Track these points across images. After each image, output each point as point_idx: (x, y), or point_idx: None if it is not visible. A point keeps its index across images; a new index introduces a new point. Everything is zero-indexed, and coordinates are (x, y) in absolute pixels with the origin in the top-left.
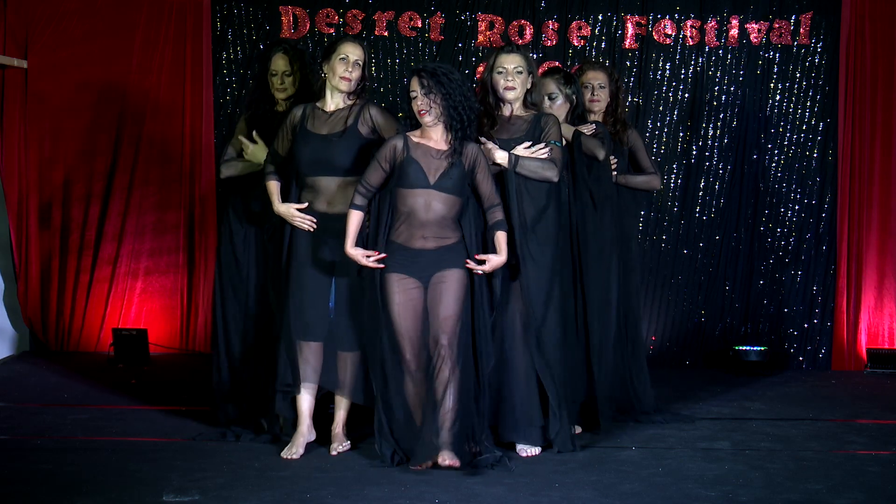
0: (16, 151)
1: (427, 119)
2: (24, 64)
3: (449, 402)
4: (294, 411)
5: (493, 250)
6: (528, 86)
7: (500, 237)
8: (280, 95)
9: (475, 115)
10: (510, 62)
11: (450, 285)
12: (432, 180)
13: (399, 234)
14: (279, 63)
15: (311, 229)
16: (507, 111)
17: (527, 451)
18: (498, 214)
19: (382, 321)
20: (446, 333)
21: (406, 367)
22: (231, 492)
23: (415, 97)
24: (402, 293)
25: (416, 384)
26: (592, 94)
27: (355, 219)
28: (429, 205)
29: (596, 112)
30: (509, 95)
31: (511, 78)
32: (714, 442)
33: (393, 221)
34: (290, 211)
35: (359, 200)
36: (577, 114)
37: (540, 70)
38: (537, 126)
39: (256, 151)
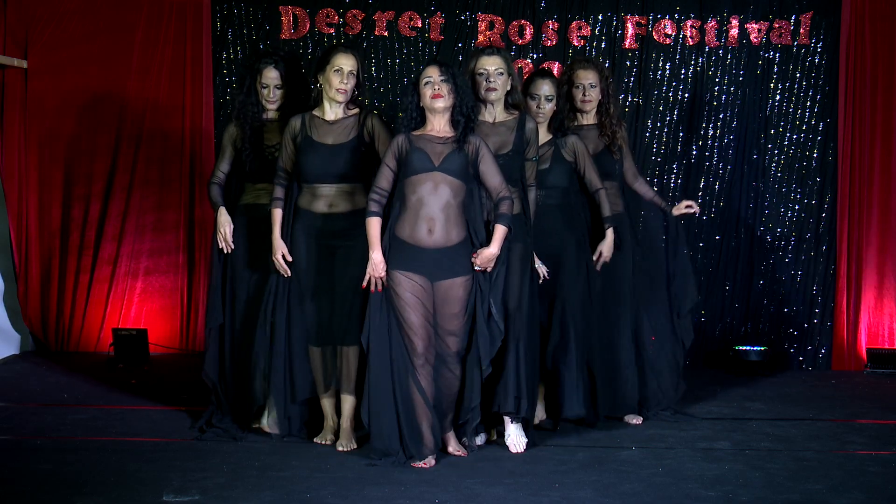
0: (16, 151)
1: (438, 104)
2: (24, 64)
3: (452, 404)
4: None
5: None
6: (508, 87)
7: (498, 230)
8: (270, 107)
9: (475, 114)
10: (491, 64)
11: (459, 294)
12: (437, 163)
13: (403, 228)
14: (269, 76)
15: (286, 275)
16: (489, 117)
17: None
18: (504, 207)
19: (391, 318)
20: (455, 339)
21: (418, 360)
22: (231, 492)
23: (429, 82)
24: (410, 288)
25: (426, 378)
26: (584, 94)
27: (377, 224)
28: (436, 188)
29: (588, 111)
30: (491, 97)
31: (493, 80)
32: (714, 442)
33: (398, 214)
34: (281, 250)
35: (375, 207)
36: (559, 120)
37: (527, 71)
38: (522, 132)
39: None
